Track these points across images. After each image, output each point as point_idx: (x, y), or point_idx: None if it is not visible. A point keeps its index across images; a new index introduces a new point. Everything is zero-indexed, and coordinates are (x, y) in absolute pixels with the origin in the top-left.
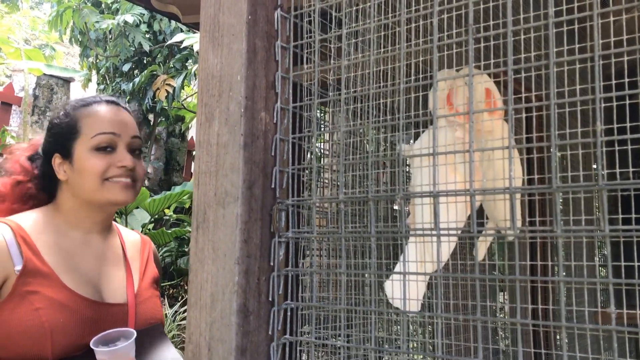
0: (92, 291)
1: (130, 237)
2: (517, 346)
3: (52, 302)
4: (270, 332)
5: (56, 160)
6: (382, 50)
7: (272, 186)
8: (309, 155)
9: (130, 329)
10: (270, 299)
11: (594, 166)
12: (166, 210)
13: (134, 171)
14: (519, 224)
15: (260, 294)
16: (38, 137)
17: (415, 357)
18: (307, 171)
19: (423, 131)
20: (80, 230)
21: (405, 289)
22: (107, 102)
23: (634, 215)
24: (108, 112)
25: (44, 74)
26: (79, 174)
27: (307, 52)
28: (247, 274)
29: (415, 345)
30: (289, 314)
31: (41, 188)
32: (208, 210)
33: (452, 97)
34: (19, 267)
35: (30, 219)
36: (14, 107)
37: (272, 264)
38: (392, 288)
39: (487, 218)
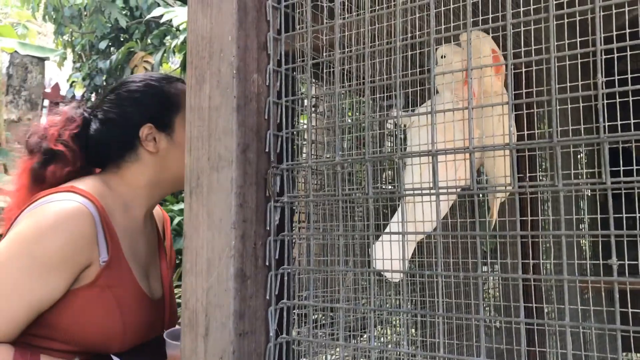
0: (147, 285)
1: (156, 214)
2: (519, 302)
3: (126, 300)
4: (267, 297)
5: (145, 130)
6: (377, 8)
7: (267, 150)
8: (303, 119)
9: None
10: (266, 263)
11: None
12: None
13: None
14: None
15: (257, 258)
16: (73, 108)
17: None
18: (301, 135)
19: (421, 96)
20: (142, 209)
21: (389, 262)
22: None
23: (635, 167)
24: None
25: (17, 52)
26: (179, 148)
27: (298, 12)
28: (243, 238)
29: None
30: (285, 278)
31: (87, 163)
32: (201, 176)
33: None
34: (104, 258)
35: (99, 191)
36: None
37: (267, 228)
38: (375, 251)
39: (485, 176)
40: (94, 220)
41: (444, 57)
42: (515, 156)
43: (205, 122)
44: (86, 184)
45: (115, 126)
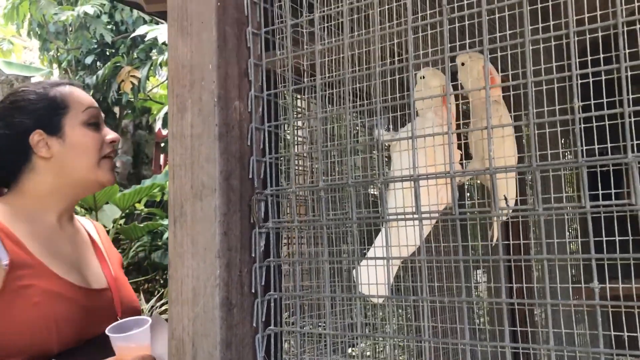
0: (79, 277)
1: (85, 222)
2: (503, 325)
3: (50, 294)
4: (254, 324)
5: (35, 137)
6: (356, 33)
7: (250, 176)
8: (286, 142)
9: (144, 317)
10: (252, 290)
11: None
12: (137, 205)
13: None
14: (512, 203)
15: (242, 286)
16: None
17: (400, 341)
18: (284, 160)
19: (402, 119)
20: (53, 214)
21: (374, 275)
22: (75, 85)
23: (613, 191)
24: (83, 92)
25: (1, 71)
26: (72, 150)
27: (279, 38)
28: (228, 266)
29: (398, 328)
30: (272, 304)
31: None
32: (185, 204)
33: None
34: (5, 262)
35: None
36: None
37: (253, 255)
38: (361, 274)
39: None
40: None
41: (423, 77)
42: (496, 180)
43: (188, 151)
44: None
45: (4, 138)
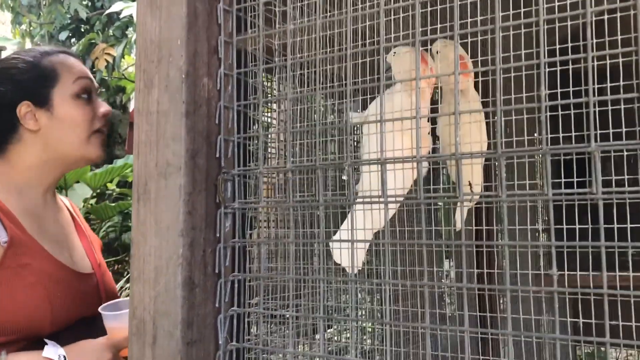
0: (68, 259)
1: (63, 199)
2: (463, 310)
3: (45, 274)
4: (217, 305)
5: (23, 108)
6: (329, 14)
7: (217, 156)
8: (256, 124)
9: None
10: (216, 271)
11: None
12: (108, 184)
13: None
14: (478, 189)
15: (206, 266)
16: None
17: (364, 324)
18: (253, 140)
19: (375, 97)
20: (39, 189)
21: (347, 254)
22: (69, 53)
23: (575, 180)
24: (76, 61)
25: None
26: (61, 124)
27: (250, 16)
28: (192, 246)
29: (363, 312)
30: (236, 286)
31: None
32: (149, 182)
33: (426, 58)
34: (4, 239)
35: None
36: None
37: (218, 235)
38: (335, 252)
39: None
40: None
41: (395, 54)
42: (461, 166)
43: (154, 127)
44: None
45: None
